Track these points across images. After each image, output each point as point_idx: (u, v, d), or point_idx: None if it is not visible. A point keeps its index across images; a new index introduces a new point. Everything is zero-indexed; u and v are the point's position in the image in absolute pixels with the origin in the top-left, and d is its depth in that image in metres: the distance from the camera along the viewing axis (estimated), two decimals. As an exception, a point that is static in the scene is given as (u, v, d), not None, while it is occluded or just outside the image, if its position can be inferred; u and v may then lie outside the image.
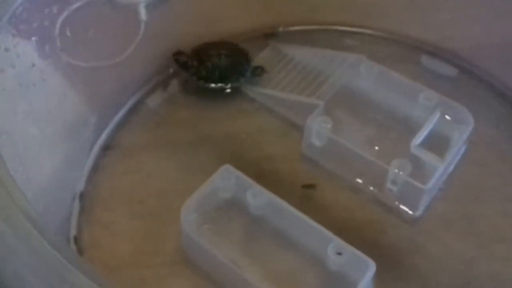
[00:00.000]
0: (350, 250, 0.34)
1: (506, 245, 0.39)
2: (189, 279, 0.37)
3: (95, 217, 0.40)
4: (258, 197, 0.37)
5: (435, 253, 0.38)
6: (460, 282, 0.37)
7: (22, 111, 0.37)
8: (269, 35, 0.52)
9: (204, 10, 0.49)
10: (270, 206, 0.37)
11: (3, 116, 0.34)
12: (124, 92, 0.47)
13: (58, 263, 0.24)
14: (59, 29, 0.40)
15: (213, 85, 0.46)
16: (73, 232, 0.39)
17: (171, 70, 0.49)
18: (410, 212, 0.40)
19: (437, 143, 0.41)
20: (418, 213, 0.40)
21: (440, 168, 0.39)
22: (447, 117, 0.42)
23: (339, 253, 0.34)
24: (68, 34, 0.40)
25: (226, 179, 0.38)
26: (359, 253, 0.34)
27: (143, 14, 0.47)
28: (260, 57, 0.49)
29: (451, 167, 0.42)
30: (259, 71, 0.48)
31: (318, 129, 0.41)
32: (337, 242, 0.34)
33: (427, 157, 0.39)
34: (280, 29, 0.52)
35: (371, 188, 0.41)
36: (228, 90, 0.47)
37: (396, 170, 0.38)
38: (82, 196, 0.41)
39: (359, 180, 0.41)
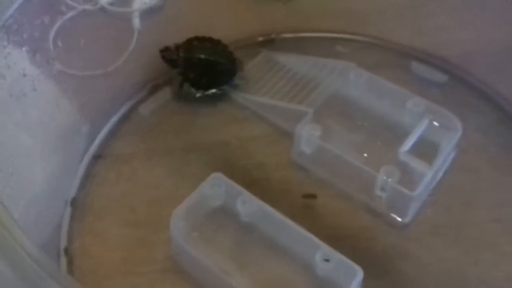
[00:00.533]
0: (337, 257, 0.34)
1: (495, 251, 0.39)
2: (179, 287, 0.37)
3: (87, 225, 0.40)
4: (247, 204, 0.37)
5: (424, 259, 0.38)
6: (449, 289, 0.37)
7: (14, 121, 0.37)
8: (262, 43, 0.52)
9: (197, 18, 0.49)
10: (260, 213, 0.37)
11: (-5, 126, 0.35)
12: (116, 100, 0.47)
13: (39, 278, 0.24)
14: (52, 39, 0.41)
15: (198, 95, 0.47)
16: (64, 239, 0.39)
17: (163, 78, 0.49)
18: (399, 219, 0.40)
19: (425, 150, 0.41)
20: (407, 219, 0.40)
21: (429, 174, 0.39)
22: (435, 123, 0.42)
23: (327, 260, 0.34)
24: (60, 44, 0.40)
25: (215, 187, 0.38)
26: (346, 260, 0.34)
27: (136, 22, 0.48)
28: (252, 65, 0.50)
29: (440, 174, 0.42)
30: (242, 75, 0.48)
31: (308, 136, 0.41)
32: (325, 249, 0.35)
33: (416, 163, 0.40)
34: (272, 36, 0.53)
35: (361, 195, 0.41)
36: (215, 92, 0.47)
37: (385, 177, 0.39)
38: (73, 204, 0.41)
39: (349, 187, 0.41)
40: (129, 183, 0.42)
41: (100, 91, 0.46)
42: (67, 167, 0.42)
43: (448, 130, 0.42)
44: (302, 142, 0.42)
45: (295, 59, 0.49)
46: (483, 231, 0.40)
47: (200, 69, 0.47)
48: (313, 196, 0.41)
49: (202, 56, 0.47)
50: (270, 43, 0.52)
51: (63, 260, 0.38)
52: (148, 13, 0.48)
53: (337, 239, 0.36)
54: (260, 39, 0.53)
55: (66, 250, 0.38)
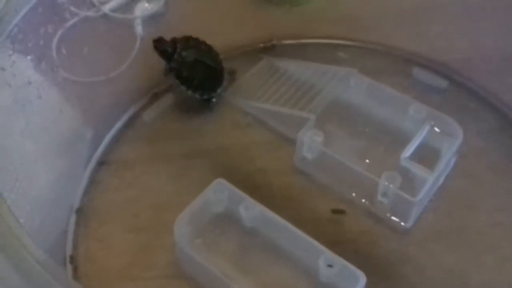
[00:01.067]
0: (340, 262, 0.35)
1: (496, 255, 0.39)
2: (183, 292, 0.37)
3: (91, 231, 0.40)
4: (250, 210, 0.38)
5: (425, 263, 0.38)
6: (450, 293, 0.37)
7: (19, 128, 0.37)
8: (263, 49, 0.53)
9: (199, 24, 0.50)
10: (263, 219, 0.38)
11: (0, 133, 0.35)
12: (119, 106, 0.48)
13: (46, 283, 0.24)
14: (55, 47, 0.41)
15: (190, 92, 0.47)
16: (69, 245, 0.39)
17: (166, 84, 0.50)
18: (401, 224, 0.40)
19: (427, 155, 0.41)
20: (409, 224, 0.40)
21: (430, 180, 0.39)
22: (436, 129, 0.43)
23: (330, 265, 0.35)
24: (64, 52, 0.41)
25: (218, 193, 0.38)
26: (349, 265, 0.35)
27: (139, 29, 0.48)
28: (254, 71, 0.50)
29: (441, 179, 0.42)
30: (231, 78, 0.49)
31: (310, 142, 0.42)
32: (328, 254, 0.35)
33: (417, 169, 0.40)
34: (274, 42, 0.53)
35: (363, 200, 0.41)
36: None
37: (386, 183, 0.39)
38: (78, 210, 0.41)
39: (351, 193, 0.42)
40: (133, 189, 0.43)
41: (103, 98, 0.46)
42: (71, 173, 0.42)
43: (449, 136, 0.42)
44: (304, 148, 0.42)
45: (297, 65, 0.50)
46: (484, 235, 0.40)
47: (195, 70, 0.46)
48: (341, 212, 0.41)
49: (199, 57, 0.47)
50: (271, 49, 0.53)
51: (69, 266, 0.38)
52: (150, 20, 0.49)
53: (339, 243, 0.37)
54: (262, 45, 0.53)
55: (72, 256, 0.39)
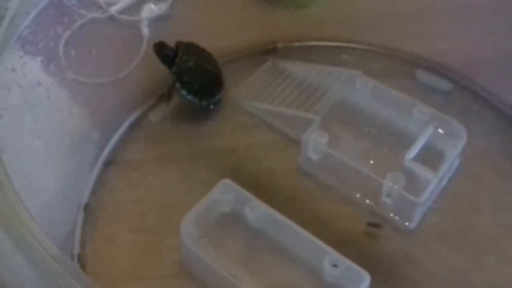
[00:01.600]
0: (345, 262, 0.35)
1: (499, 256, 0.39)
2: (189, 291, 0.38)
3: (98, 231, 0.41)
4: (256, 210, 0.38)
5: (429, 264, 0.39)
6: (454, 294, 0.38)
7: (28, 127, 0.38)
8: (268, 51, 0.53)
9: (205, 26, 0.50)
10: (268, 219, 0.38)
11: (10, 133, 0.35)
12: (126, 107, 0.48)
13: (59, 276, 0.24)
14: (63, 48, 0.41)
15: (190, 97, 0.47)
16: (77, 244, 0.40)
17: (173, 86, 0.50)
18: (405, 224, 0.41)
19: (431, 157, 0.42)
20: (413, 225, 0.40)
21: (434, 181, 0.40)
22: (440, 131, 0.43)
23: (335, 265, 0.35)
24: (73, 53, 0.41)
25: (225, 193, 0.39)
26: (354, 265, 0.35)
27: (145, 31, 0.49)
28: (259, 72, 0.51)
29: (445, 180, 0.42)
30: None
31: (315, 143, 0.42)
32: (332, 254, 0.35)
33: (421, 170, 0.40)
34: (279, 45, 0.54)
35: (367, 201, 0.42)
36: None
37: (391, 184, 0.39)
38: (86, 210, 0.42)
39: (356, 193, 0.42)
40: (139, 189, 0.43)
41: (111, 99, 0.47)
42: (79, 173, 0.43)
43: (452, 137, 0.42)
44: (309, 149, 0.43)
45: (302, 67, 0.50)
46: (488, 236, 0.40)
47: (196, 74, 0.47)
48: (378, 225, 0.40)
49: (200, 62, 0.47)
50: (276, 51, 0.53)
51: (76, 265, 0.38)
52: (156, 22, 0.49)
53: (343, 244, 0.37)
54: (266, 47, 0.53)
55: (79, 255, 0.39)
